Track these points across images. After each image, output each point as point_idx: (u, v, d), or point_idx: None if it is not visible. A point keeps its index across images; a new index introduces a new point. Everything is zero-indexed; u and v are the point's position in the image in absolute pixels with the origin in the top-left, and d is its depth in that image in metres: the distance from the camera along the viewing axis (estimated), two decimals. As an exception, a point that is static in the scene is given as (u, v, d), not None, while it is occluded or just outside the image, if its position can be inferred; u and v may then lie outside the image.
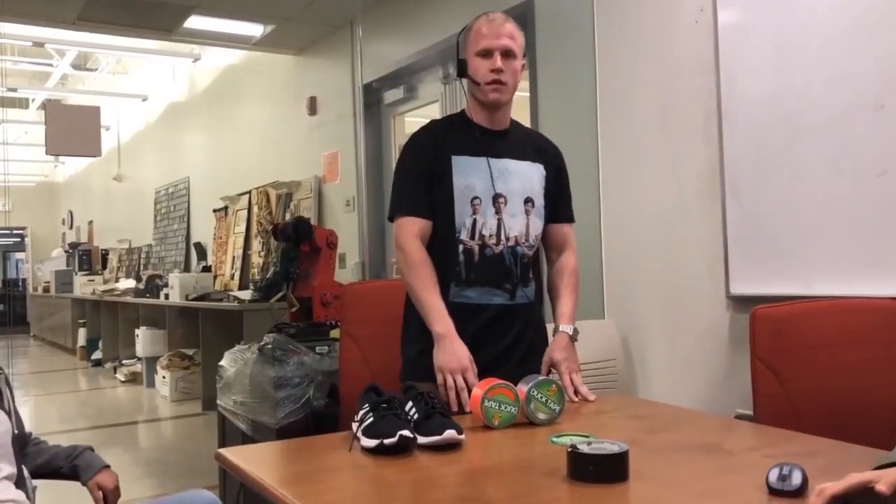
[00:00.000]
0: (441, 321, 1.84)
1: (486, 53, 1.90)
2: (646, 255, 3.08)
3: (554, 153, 2.08)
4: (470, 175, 1.92)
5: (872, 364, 1.91)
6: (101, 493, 1.79)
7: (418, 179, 1.95)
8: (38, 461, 1.82)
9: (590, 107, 3.32)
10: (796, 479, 1.12)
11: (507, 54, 1.91)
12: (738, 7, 2.66)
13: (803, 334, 1.92)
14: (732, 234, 2.68)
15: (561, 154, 2.10)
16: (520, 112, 3.70)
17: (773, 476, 1.14)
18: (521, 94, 3.72)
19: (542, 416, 1.63)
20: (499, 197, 1.92)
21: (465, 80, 1.97)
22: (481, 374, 1.76)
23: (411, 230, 1.91)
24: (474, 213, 1.91)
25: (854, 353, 1.91)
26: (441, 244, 1.93)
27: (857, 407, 1.87)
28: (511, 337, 1.95)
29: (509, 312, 1.94)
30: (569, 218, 2.10)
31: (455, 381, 1.76)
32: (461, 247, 1.91)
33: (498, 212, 1.93)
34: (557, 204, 2.06)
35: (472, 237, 1.91)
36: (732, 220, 2.68)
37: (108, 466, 1.84)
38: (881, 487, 0.98)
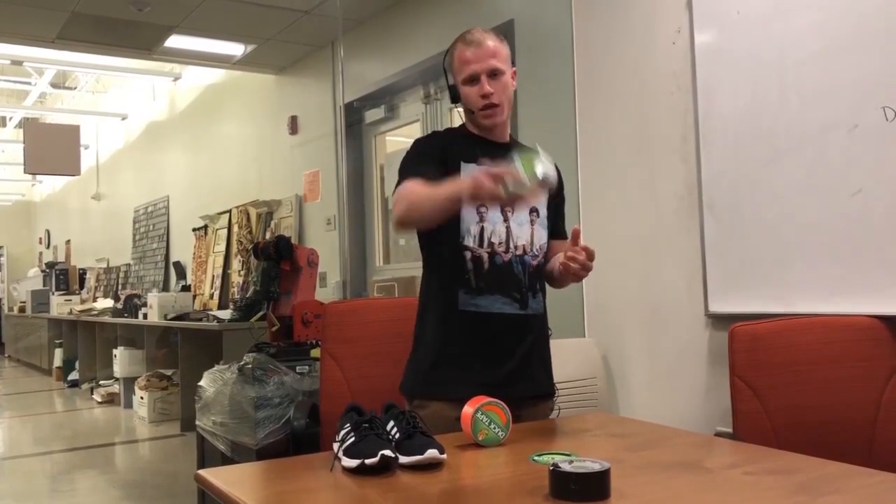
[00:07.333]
0: (452, 186, 1.68)
1: (473, 79, 1.88)
2: (625, 274, 3.10)
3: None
4: None
5: (850, 381, 1.93)
6: None
7: (429, 161, 1.86)
8: None
9: (569, 127, 3.35)
10: None
11: (494, 74, 1.89)
12: (715, 29, 2.71)
13: (782, 351, 1.94)
14: (711, 253, 2.71)
15: (560, 171, 2.08)
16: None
17: None
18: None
19: (526, 176, 1.48)
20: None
21: (459, 107, 1.96)
22: (496, 392, 1.66)
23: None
24: (481, 220, 1.89)
25: (832, 370, 1.93)
26: (448, 251, 1.90)
27: (835, 423, 1.89)
28: (524, 349, 1.91)
29: (520, 323, 1.91)
30: (566, 234, 2.10)
31: (491, 177, 1.53)
32: (469, 254, 1.88)
33: (506, 220, 1.91)
34: (557, 220, 2.06)
35: (481, 244, 1.88)
36: (710, 239, 2.71)
37: None
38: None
